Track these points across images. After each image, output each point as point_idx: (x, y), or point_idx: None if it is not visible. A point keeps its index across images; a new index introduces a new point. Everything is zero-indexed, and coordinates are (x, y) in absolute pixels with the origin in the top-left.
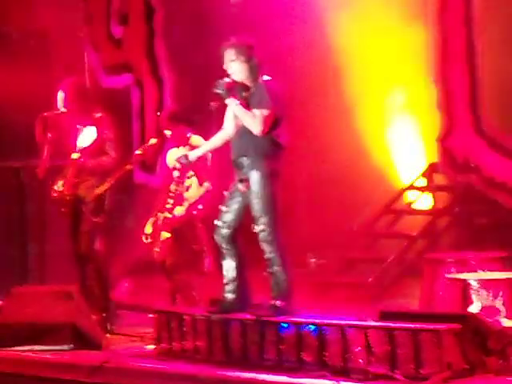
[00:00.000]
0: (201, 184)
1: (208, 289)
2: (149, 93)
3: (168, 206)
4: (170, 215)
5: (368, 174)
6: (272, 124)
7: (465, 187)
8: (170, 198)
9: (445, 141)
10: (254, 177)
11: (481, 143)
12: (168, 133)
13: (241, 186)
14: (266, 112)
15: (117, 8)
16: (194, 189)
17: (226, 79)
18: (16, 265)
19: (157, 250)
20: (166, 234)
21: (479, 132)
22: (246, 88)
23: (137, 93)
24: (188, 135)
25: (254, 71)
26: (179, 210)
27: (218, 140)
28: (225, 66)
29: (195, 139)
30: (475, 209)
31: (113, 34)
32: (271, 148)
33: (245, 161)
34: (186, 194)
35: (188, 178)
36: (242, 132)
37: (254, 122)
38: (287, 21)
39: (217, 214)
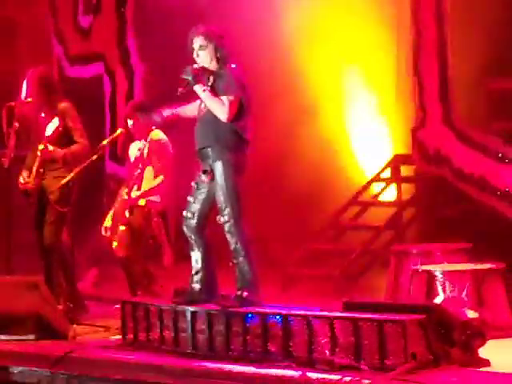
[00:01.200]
0: (155, 176)
1: (168, 282)
2: (120, 82)
3: (125, 191)
4: (126, 197)
5: (334, 166)
6: (237, 112)
7: (431, 178)
8: (129, 186)
9: (417, 132)
10: (218, 168)
11: (450, 135)
12: (130, 122)
13: (204, 177)
14: (232, 98)
15: None
16: (148, 180)
17: (194, 65)
18: None
19: (115, 243)
20: (121, 227)
21: (448, 124)
22: (213, 75)
23: (108, 82)
24: (152, 128)
25: (222, 59)
26: (135, 194)
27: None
28: (193, 54)
29: (156, 133)
30: (441, 200)
31: (80, 23)
32: (236, 140)
33: (209, 152)
34: (142, 186)
35: (143, 169)
36: (206, 122)
37: (221, 108)
38: (248, 18)
39: (174, 206)
